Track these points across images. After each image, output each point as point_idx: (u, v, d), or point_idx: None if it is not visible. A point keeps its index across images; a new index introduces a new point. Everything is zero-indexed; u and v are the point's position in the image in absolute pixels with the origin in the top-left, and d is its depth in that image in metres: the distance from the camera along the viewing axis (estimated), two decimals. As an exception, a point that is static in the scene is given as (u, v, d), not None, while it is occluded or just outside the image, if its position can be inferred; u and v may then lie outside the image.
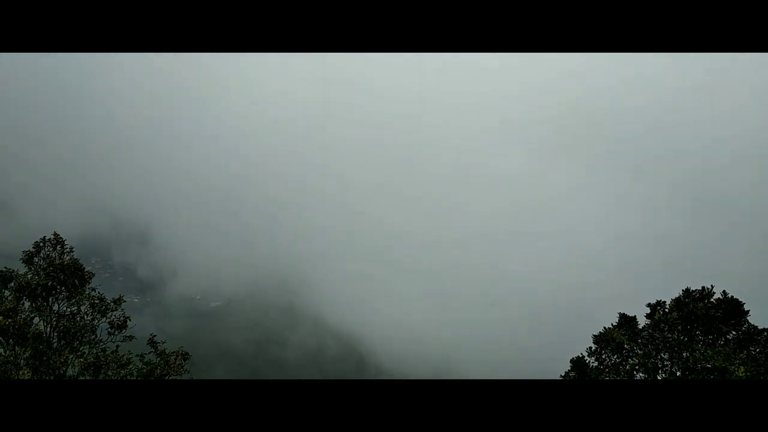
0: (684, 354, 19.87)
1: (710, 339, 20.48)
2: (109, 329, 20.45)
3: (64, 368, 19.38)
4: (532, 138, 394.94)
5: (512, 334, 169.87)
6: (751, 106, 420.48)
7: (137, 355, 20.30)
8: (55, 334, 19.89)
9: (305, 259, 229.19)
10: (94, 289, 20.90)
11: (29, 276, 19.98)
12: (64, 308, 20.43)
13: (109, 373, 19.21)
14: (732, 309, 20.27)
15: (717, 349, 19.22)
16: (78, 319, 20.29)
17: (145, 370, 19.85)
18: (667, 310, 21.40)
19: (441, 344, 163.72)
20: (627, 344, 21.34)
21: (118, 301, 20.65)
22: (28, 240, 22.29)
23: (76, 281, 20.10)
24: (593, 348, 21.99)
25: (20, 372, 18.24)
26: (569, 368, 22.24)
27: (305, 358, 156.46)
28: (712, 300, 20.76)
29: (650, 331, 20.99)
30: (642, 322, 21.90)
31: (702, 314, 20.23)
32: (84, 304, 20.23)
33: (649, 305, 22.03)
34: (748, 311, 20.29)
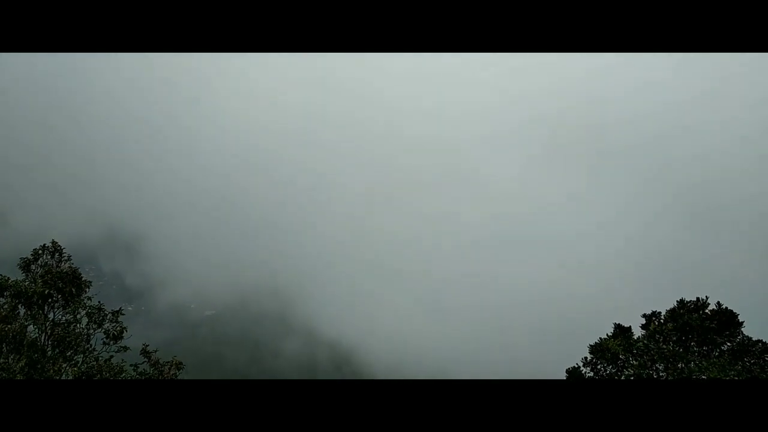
0: (679, 365, 19.90)
1: (705, 350, 20.55)
2: (105, 339, 20.24)
3: (58, 377, 19.16)
4: (531, 146, 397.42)
5: (508, 344, 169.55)
6: (746, 118, 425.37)
7: (131, 365, 20.10)
8: (50, 342, 19.70)
9: (298, 269, 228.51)
10: (90, 298, 20.72)
11: (26, 283, 19.82)
12: (60, 316, 20.24)
13: (104, 382, 19.02)
14: (726, 320, 20.38)
15: (712, 361, 19.27)
16: (72, 327, 20.09)
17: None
18: (662, 320, 21.50)
19: (436, 354, 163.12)
20: (622, 355, 21.36)
21: (116, 313, 20.47)
22: (19, 246, 22.18)
23: (73, 289, 19.94)
24: (589, 358, 21.99)
25: (14, 380, 18.03)
26: (565, 378, 22.23)
27: (298, 367, 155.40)
28: (706, 311, 20.88)
29: (645, 341, 21.03)
30: (637, 332, 21.96)
31: (697, 325, 20.34)
32: (80, 312, 20.05)
33: (644, 316, 22.12)
34: (742, 322, 20.40)
